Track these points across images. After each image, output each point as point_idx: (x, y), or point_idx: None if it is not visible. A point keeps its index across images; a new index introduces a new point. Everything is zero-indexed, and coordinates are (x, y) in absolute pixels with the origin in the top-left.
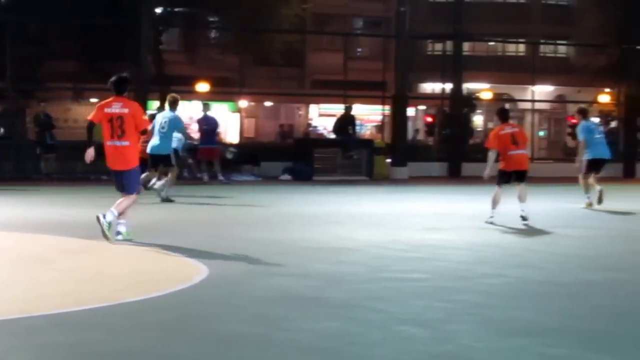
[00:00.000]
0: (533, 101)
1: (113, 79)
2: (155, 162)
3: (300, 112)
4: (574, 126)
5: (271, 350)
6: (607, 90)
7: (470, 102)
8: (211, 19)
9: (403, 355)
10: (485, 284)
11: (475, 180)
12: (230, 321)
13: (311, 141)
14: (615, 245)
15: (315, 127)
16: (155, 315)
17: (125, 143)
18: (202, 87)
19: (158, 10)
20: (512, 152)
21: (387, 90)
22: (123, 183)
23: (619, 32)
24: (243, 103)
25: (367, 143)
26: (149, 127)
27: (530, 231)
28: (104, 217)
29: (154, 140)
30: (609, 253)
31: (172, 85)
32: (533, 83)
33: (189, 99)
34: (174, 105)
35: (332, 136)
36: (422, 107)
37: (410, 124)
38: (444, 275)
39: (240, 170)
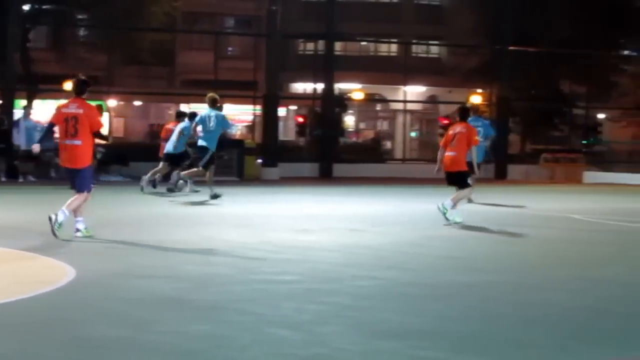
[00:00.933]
0: (405, 102)
1: (72, 80)
2: (197, 158)
3: (170, 112)
4: (445, 127)
5: (137, 353)
6: (479, 91)
7: (342, 102)
8: (80, 17)
9: (273, 358)
10: (356, 285)
11: (347, 181)
12: (96, 324)
13: None
14: (486, 246)
15: None
16: (19, 319)
17: (78, 142)
18: (70, 85)
19: (25, 7)
20: (447, 152)
21: (258, 90)
22: (76, 181)
23: (490, 33)
24: (112, 102)
25: (238, 143)
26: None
27: (402, 233)
28: (56, 217)
29: (202, 138)
30: (480, 254)
31: (40, 84)
32: (405, 83)
33: (57, 98)
34: (214, 104)
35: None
36: (293, 107)
37: (281, 124)
38: (314, 277)
39: (108, 170)
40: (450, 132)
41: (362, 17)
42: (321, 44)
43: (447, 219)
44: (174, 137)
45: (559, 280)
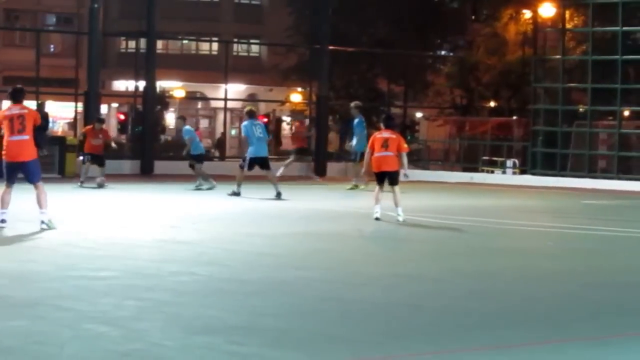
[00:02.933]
0: (225, 100)
1: (10, 90)
2: (253, 165)
3: None
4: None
5: None
6: (299, 89)
7: (163, 100)
8: None
9: (92, 354)
10: (174, 281)
11: (167, 178)
12: None
13: None
14: (302, 244)
15: None
16: None
17: (26, 137)
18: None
19: None
20: (381, 153)
21: (80, 87)
22: (28, 173)
23: (309, 32)
24: None
25: (59, 140)
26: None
27: (222, 229)
28: (43, 222)
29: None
30: (297, 252)
31: None
32: (226, 82)
33: None
34: (253, 115)
35: None
36: (115, 105)
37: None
38: (133, 273)
39: None
40: (379, 136)
41: (183, 16)
42: (143, 42)
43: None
44: None
45: (373, 277)
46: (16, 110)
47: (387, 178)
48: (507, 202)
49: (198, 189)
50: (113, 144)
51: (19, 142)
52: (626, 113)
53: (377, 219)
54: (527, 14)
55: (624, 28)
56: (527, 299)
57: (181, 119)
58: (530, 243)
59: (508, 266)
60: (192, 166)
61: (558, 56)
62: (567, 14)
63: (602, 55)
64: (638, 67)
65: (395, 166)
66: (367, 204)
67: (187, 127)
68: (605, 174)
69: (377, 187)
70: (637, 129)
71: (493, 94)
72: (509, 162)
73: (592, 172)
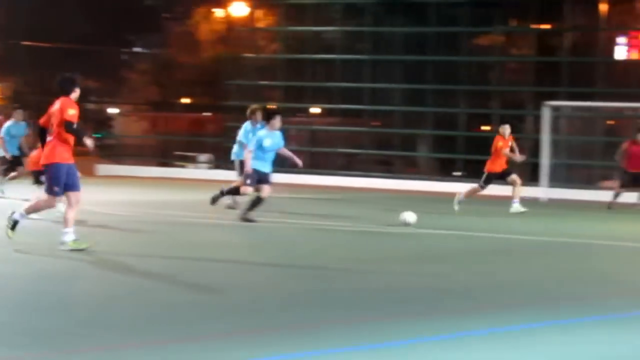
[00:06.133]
0: None
1: None
2: None
3: None
4: None
5: None
6: None
7: None
8: None
9: None
10: None
11: None
12: None
13: None
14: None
15: None
16: None
17: None
18: None
19: None
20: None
21: None
22: None
23: (4, 28)
24: None
25: None
26: None
27: None
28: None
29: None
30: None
31: None
32: None
33: None
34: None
35: None
36: None
37: None
38: None
39: None
40: None
41: None
42: None
43: None
44: None
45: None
46: None
47: None
48: (183, 197)
49: None
50: None
51: None
52: (317, 110)
53: None
54: (219, 13)
55: (314, 28)
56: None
57: None
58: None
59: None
60: None
61: (250, 54)
62: (259, 13)
63: (294, 54)
64: (328, 66)
65: None
66: None
67: None
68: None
69: None
70: (327, 125)
71: (187, 90)
72: (203, 157)
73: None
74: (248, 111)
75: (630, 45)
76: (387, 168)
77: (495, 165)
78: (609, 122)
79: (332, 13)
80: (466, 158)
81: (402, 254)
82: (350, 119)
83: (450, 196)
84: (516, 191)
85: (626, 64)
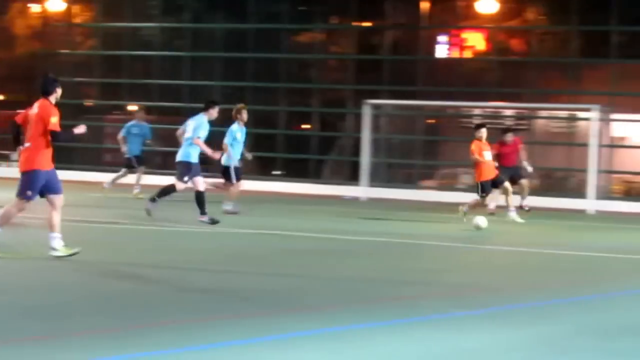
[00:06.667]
0: None
1: None
2: None
3: None
4: None
5: None
6: None
7: None
8: None
9: None
10: None
11: None
12: None
13: None
14: None
15: None
16: None
17: None
18: None
19: None
20: None
21: None
22: None
23: None
24: None
25: None
26: None
27: None
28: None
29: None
30: None
31: None
32: None
33: None
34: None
35: None
36: None
37: None
38: None
39: None
40: None
41: None
42: None
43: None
44: None
45: None
46: None
47: None
48: None
49: None
50: None
51: None
52: (134, 108)
53: None
54: (36, 8)
55: (132, 24)
56: None
57: None
58: None
59: None
60: None
61: (67, 50)
62: (76, 9)
63: (111, 51)
64: (146, 63)
65: None
66: None
67: None
68: (113, 167)
69: None
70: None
71: (1, 87)
72: (14, 156)
73: (99, 165)
74: (233, 111)
75: (451, 44)
76: (204, 167)
77: (483, 172)
78: (429, 120)
79: (150, 9)
80: (286, 157)
81: (213, 255)
82: (168, 117)
83: (270, 195)
84: (509, 199)
85: (447, 62)
